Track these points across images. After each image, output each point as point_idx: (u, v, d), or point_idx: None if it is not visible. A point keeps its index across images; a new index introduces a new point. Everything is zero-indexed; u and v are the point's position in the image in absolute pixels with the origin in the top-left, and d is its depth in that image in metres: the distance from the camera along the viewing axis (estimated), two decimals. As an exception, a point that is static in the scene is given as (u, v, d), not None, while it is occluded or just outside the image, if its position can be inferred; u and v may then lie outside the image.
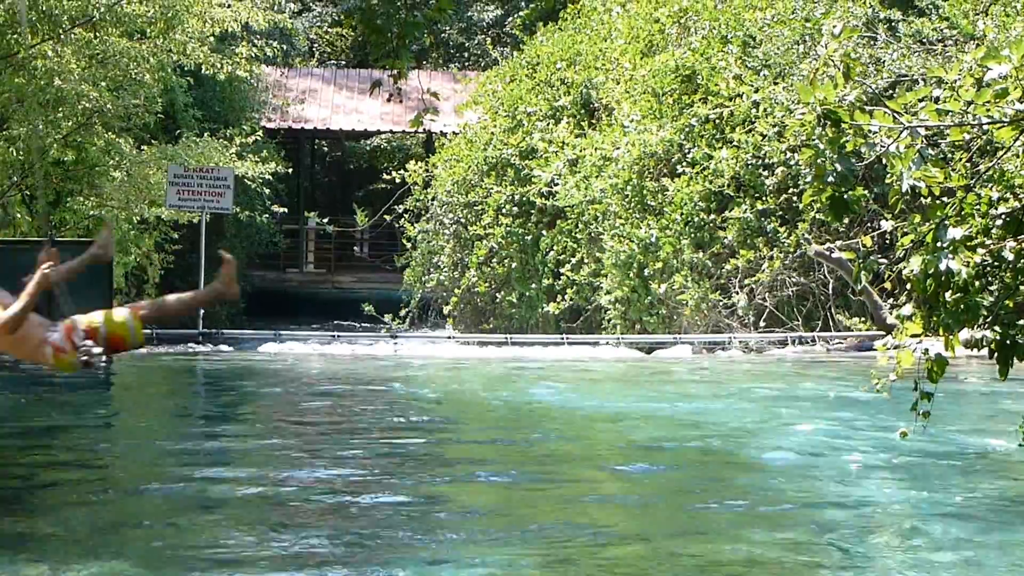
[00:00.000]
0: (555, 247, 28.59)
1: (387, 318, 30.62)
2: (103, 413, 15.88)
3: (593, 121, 30.14)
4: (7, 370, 18.87)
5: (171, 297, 9.69)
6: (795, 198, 24.59)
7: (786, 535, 8.39)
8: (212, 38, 25.21)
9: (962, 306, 6.97)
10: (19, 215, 24.85)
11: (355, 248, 45.15)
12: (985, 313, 7.16)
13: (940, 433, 11.94)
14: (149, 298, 28.83)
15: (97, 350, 8.95)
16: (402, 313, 31.74)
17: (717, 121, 26.21)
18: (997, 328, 7.24)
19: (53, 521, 8.77)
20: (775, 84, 25.87)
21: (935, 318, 7.14)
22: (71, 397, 16.97)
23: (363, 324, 32.32)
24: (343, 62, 49.77)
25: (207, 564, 7.51)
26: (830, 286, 25.01)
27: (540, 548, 8.01)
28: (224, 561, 7.58)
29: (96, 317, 9.20)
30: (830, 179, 6.80)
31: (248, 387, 18.94)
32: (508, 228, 29.31)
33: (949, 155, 19.74)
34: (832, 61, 7.53)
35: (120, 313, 9.20)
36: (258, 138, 32.13)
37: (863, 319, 24.68)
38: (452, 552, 7.86)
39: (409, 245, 32.62)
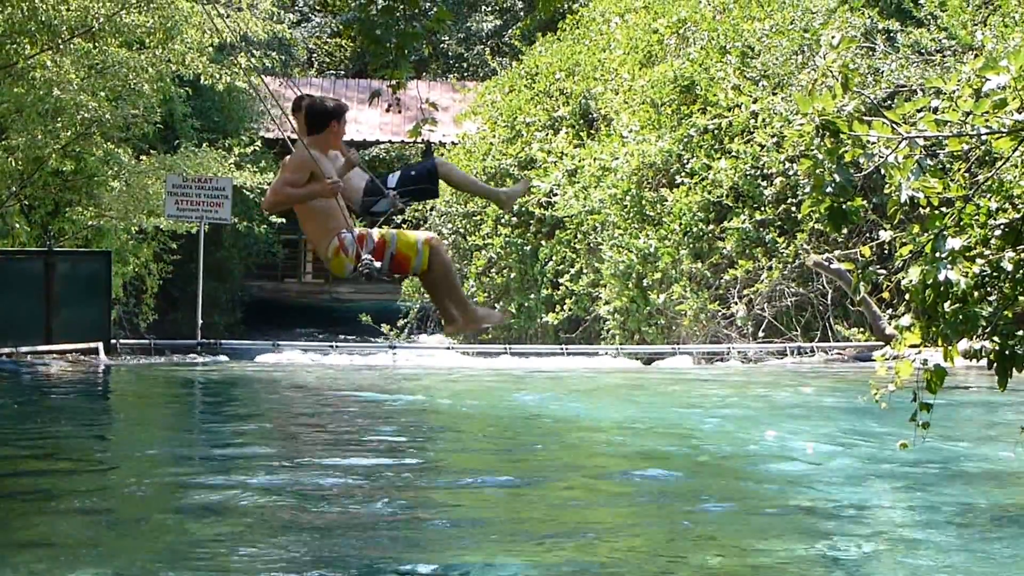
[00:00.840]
0: (554, 257, 28.61)
1: (384, 328, 30.65)
2: (101, 422, 15.85)
3: (592, 131, 30.17)
4: (6, 379, 18.87)
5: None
6: (794, 208, 24.60)
7: (783, 545, 8.39)
8: (211, 48, 25.20)
9: (961, 316, 6.97)
10: (18, 225, 24.84)
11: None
12: (984, 323, 7.16)
13: (939, 444, 11.94)
14: (148, 308, 28.87)
15: (377, 265, 9.02)
16: (400, 323, 31.80)
17: (716, 131, 26.23)
18: (996, 339, 7.23)
19: (51, 528, 8.75)
20: (774, 94, 25.88)
21: (934, 328, 7.14)
22: (69, 405, 16.97)
23: (362, 335, 32.32)
24: (342, 72, 49.79)
25: (205, 571, 7.50)
26: (829, 296, 25.02)
27: (536, 557, 8.00)
28: (223, 568, 7.58)
29: (389, 232, 9.25)
30: (829, 189, 6.80)
31: (246, 397, 18.92)
32: (507, 238, 29.34)
33: (948, 165, 19.74)
34: (831, 71, 7.54)
35: (415, 235, 9.23)
36: (257, 148, 32.13)
37: (862, 329, 24.68)
38: (449, 561, 7.85)
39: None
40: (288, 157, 9.55)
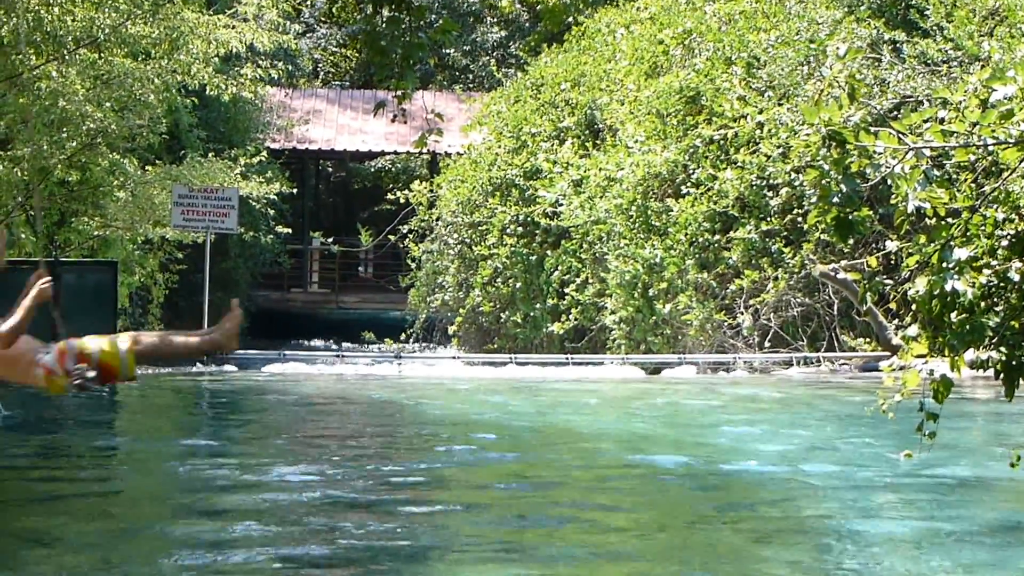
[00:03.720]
0: (559, 267, 28.60)
1: (388, 342, 30.68)
2: (107, 430, 15.87)
3: (597, 142, 30.16)
4: (13, 388, 18.87)
5: (172, 338, 9.48)
6: (800, 219, 24.58)
7: (786, 555, 8.38)
8: (217, 59, 25.21)
9: (968, 327, 6.95)
10: (23, 235, 24.85)
11: (359, 268, 45.16)
12: (991, 334, 7.14)
13: (945, 454, 11.92)
14: (154, 318, 28.87)
15: (91, 374, 8.86)
16: (405, 334, 31.82)
17: (721, 142, 26.21)
18: (1003, 349, 7.22)
19: (58, 532, 8.75)
20: (779, 105, 25.87)
21: (940, 339, 7.12)
22: (75, 414, 16.98)
23: (369, 344, 32.34)
24: (347, 83, 49.83)
25: (209, 574, 7.51)
26: (835, 307, 25.00)
27: (537, 567, 7.99)
28: (226, 571, 7.58)
29: (89, 343, 9.03)
30: (835, 200, 6.79)
31: (252, 407, 18.92)
32: (513, 248, 29.33)
33: (954, 176, 19.73)
34: (837, 82, 7.53)
35: (116, 342, 9.05)
36: (263, 158, 32.14)
37: (868, 340, 24.66)
38: (453, 569, 7.84)
39: (414, 265, 32.67)
40: None
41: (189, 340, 9.45)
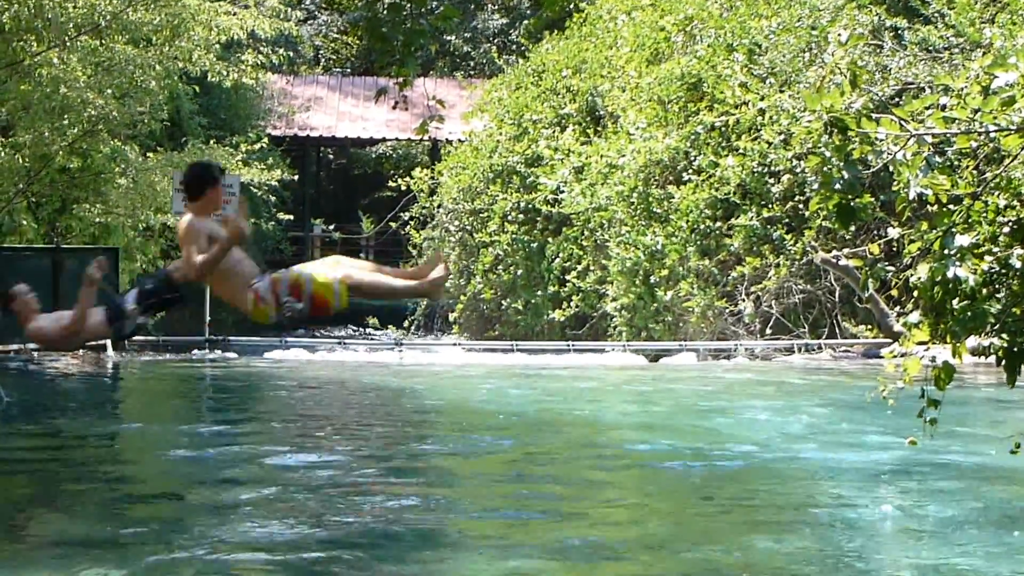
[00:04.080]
0: (561, 254, 28.60)
1: (390, 329, 30.70)
2: (109, 417, 15.88)
3: (599, 129, 30.16)
4: (14, 375, 18.89)
5: (382, 280, 9.50)
6: (801, 205, 24.60)
7: (788, 542, 8.38)
8: (218, 45, 25.20)
9: (969, 313, 6.95)
10: (25, 222, 24.86)
11: (361, 255, 45.16)
12: (992, 320, 7.14)
13: (946, 441, 11.92)
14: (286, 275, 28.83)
15: (299, 306, 8.96)
16: (407, 321, 31.84)
17: (723, 129, 26.21)
18: (1004, 335, 7.22)
19: (61, 521, 8.77)
20: (781, 92, 25.86)
21: (942, 325, 7.12)
22: (77, 401, 16.99)
23: (369, 331, 32.36)
24: (348, 70, 49.79)
25: (214, 564, 7.51)
26: (836, 293, 25.01)
27: (540, 552, 8.00)
28: (231, 560, 7.58)
29: (303, 273, 9.16)
30: (837, 186, 6.79)
31: (254, 393, 18.94)
32: (514, 235, 29.33)
33: (956, 163, 19.73)
34: (839, 68, 7.53)
35: (327, 274, 9.13)
36: (264, 145, 32.16)
37: (869, 326, 24.67)
38: (462, 558, 7.85)
39: (415, 252, 32.67)
40: (178, 229, 9.38)
41: (396, 284, 9.50)
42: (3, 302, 10.35)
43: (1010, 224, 7.30)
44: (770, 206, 25.14)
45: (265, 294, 8.99)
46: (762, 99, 25.83)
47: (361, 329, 34.32)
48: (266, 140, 33.47)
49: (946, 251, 6.91)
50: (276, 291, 9.00)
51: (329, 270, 9.16)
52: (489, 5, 49.72)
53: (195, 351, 24.67)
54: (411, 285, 9.60)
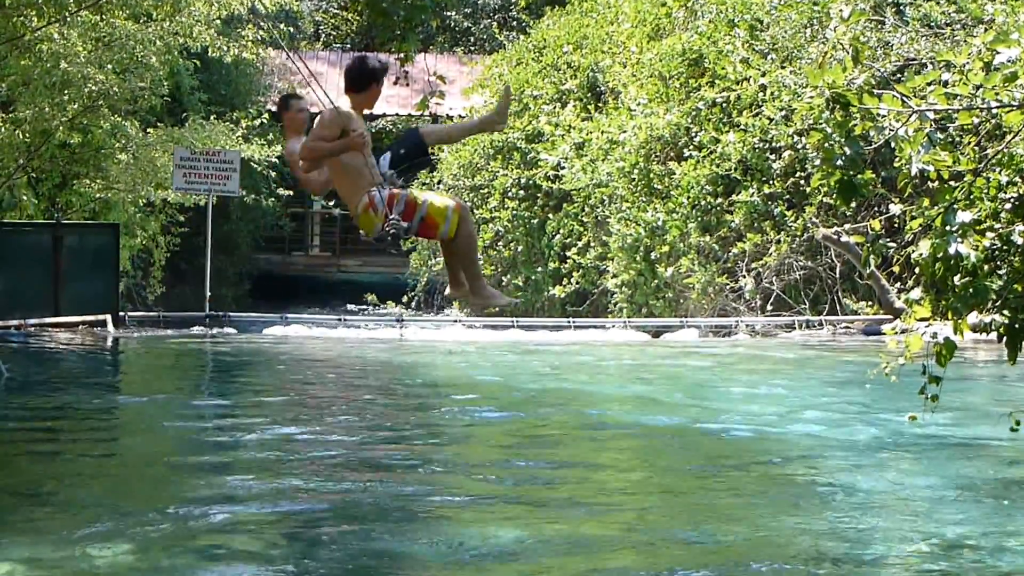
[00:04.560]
0: (561, 230, 28.61)
1: (390, 304, 30.73)
2: (109, 393, 15.88)
3: (600, 104, 30.14)
4: (14, 351, 18.89)
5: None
6: (802, 182, 24.60)
7: (788, 517, 8.39)
8: (218, 21, 25.16)
9: (971, 290, 6.95)
10: (25, 197, 24.85)
11: (361, 232, 45.09)
12: (994, 297, 7.14)
13: (947, 417, 11.93)
14: (155, 281, 28.87)
15: (405, 225, 9.02)
16: (407, 297, 31.85)
17: (724, 105, 26.19)
18: (1006, 312, 7.22)
19: (61, 497, 8.77)
20: (782, 68, 25.83)
21: (944, 302, 7.12)
22: (77, 377, 16.99)
23: (370, 307, 32.37)
24: (349, 46, 49.70)
25: (213, 539, 7.52)
26: (837, 270, 25.01)
27: (539, 528, 8.00)
28: (229, 534, 7.59)
29: (422, 196, 9.32)
30: (839, 163, 6.78)
31: (253, 368, 18.95)
32: (514, 211, 29.35)
33: (958, 139, 19.73)
34: (840, 44, 7.52)
35: (445, 200, 9.21)
36: (264, 121, 32.13)
37: (870, 303, 24.67)
38: (461, 531, 7.86)
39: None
40: (322, 113, 9.57)
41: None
42: (279, 106, 10.79)
43: (1012, 200, 7.29)
44: (771, 182, 25.12)
45: (379, 204, 9.05)
46: (763, 75, 25.79)
47: (362, 307, 34.33)
48: (266, 116, 33.43)
49: (948, 227, 6.90)
50: (391, 204, 9.08)
51: (445, 198, 9.28)
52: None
53: (195, 327, 24.68)
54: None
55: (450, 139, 10.53)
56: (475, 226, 9.53)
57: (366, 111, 9.77)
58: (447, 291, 9.92)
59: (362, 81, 9.29)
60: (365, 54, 9.26)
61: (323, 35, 50.57)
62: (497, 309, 28.97)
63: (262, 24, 28.08)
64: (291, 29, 38.08)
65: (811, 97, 21.91)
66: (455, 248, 9.46)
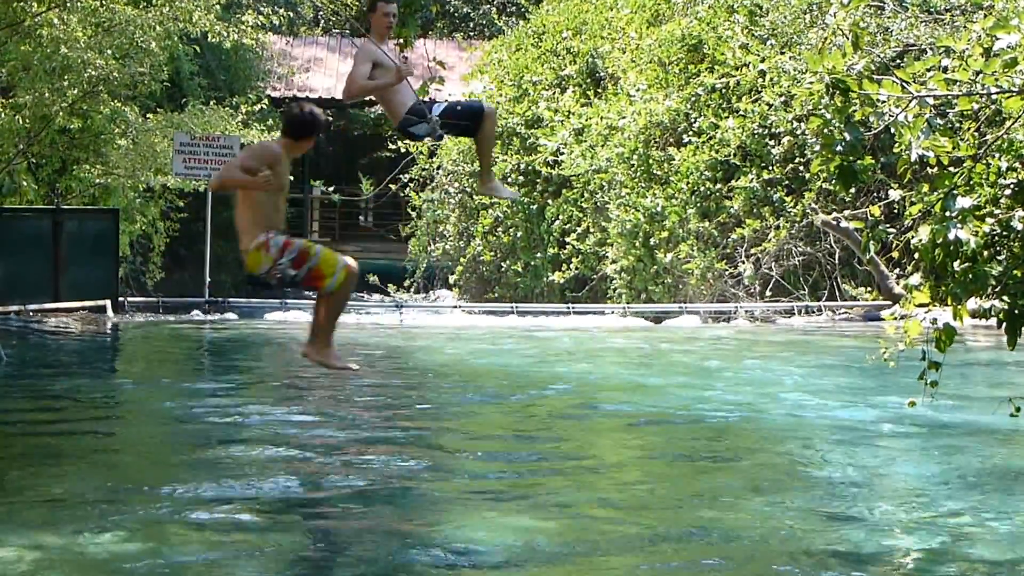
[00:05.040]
0: (561, 216, 28.59)
1: (390, 288, 30.74)
2: (108, 378, 15.90)
3: (599, 90, 30.11)
4: (13, 336, 18.90)
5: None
6: (802, 168, 24.60)
7: (786, 501, 8.41)
8: (218, 6, 25.13)
9: (970, 276, 6.96)
10: (25, 183, 24.83)
11: (360, 217, 45.09)
12: (993, 283, 7.16)
13: (946, 403, 11.95)
14: (155, 267, 28.87)
15: (292, 273, 9.07)
16: (407, 283, 31.85)
17: (723, 90, 26.17)
18: (1005, 298, 7.24)
19: (59, 481, 8.80)
20: (782, 53, 25.81)
21: (943, 288, 7.14)
22: (76, 362, 17.01)
23: (369, 293, 32.37)
24: (348, 31, 49.61)
25: (210, 522, 7.53)
26: (836, 256, 25.02)
27: (536, 511, 8.02)
28: (225, 519, 7.61)
29: (317, 247, 9.36)
30: (838, 148, 6.79)
31: (254, 353, 18.98)
32: (514, 197, 29.31)
33: (958, 125, 19.73)
34: (840, 30, 7.52)
35: (339, 257, 9.27)
36: (263, 107, 32.09)
37: (869, 289, 24.69)
38: (463, 519, 7.87)
39: (414, 214, 32.65)
40: (253, 144, 9.68)
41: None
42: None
43: (1011, 186, 7.30)
44: (770, 168, 25.12)
45: (273, 248, 9.07)
46: (763, 61, 25.77)
47: (361, 292, 34.32)
48: (266, 101, 33.38)
49: (947, 213, 6.91)
50: (283, 250, 9.09)
51: (340, 256, 9.32)
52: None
53: (195, 312, 24.68)
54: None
55: (481, 142, 10.54)
56: (352, 290, 9.56)
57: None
58: (300, 349, 9.86)
59: (302, 132, 9.33)
60: (313, 109, 9.32)
61: (322, 20, 50.51)
62: (496, 291, 29.00)
63: (261, 9, 28.04)
64: (290, 14, 38.01)
65: (811, 83, 21.90)
66: (329, 303, 9.51)
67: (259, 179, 9.01)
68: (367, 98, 10.30)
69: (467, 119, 10.18)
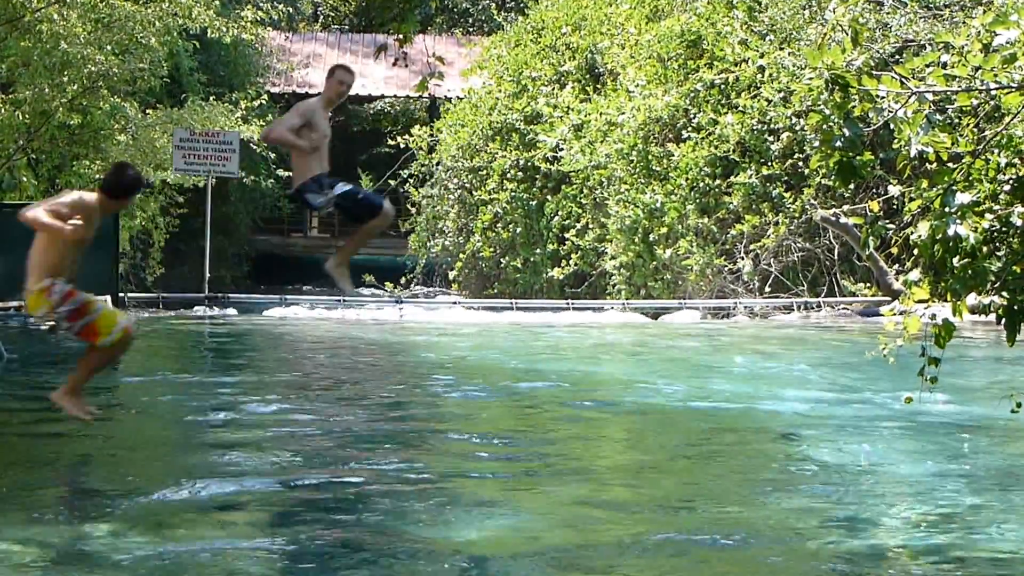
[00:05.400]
0: (560, 212, 28.60)
1: (388, 286, 30.75)
2: (111, 373, 15.89)
3: (598, 86, 30.11)
4: (14, 332, 18.90)
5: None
6: (801, 163, 24.60)
7: (784, 496, 8.42)
8: (217, 2, 25.15)
9: (970, 272, 6.97)
10: (25, 178, 24.84)
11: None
12: (993, 279, 7.16)
13: (946, 398, 11.97)
14: (155, 262, 28.88)
15: (65, 326, 9.19)
16: (405, 279, 31.86)
17: (722, 86, 26.18)
18: (1005, 294, 7.25)
19: (56, 477, 8.81)
20: (781, 49, 25.81)
21: (942, 284, 7.14)
22: (77, 358, 16.98)
23: (369, 288, 32.38)
24: (347, 26, 49.65)
25: (214, 521, 7.55)
26: (835, 252, 25.03)
27: (536, 509, 8.04)
28: (224, 515, 7.62)
29: (99, 304, 9.47)
30: (837, 144, 6.80)
31: (254, 349, 18.97)
32: (513, 193, 29.33)
33: (957, 120, 19.72)
34: (839, 26, 7.53)
35: (118, 318, 9.33)
36: (263, 102, 32.10)
37: (868, 285, 24.70)
38: (461, 515, 7.88)
39: (414, 210, 32.66)
40: (75, 195, 9.60)
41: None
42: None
43: (1010, 182, 7.31)
44: (769, 164, 25.13)
45: (55, 294, 9.16)
46: (762, 56, 25.78)
47: (361, 288, 34.34)
48: (265, 97, 33.40)
49: (946, 209, 6.92)
50: (65, 299, 9.18)
51: (121, 316, 9.52)
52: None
53: (195, 308, 24.69)
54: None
55: (361, 234, 10.88)
56: (125, 352, 9.66)
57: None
58: (53, 394, 9.89)
59: (119, 192, 9.39)
60: (137, 175, 9.42)
61: (321, 16, 50.53)
62: (495, 287, 29.01)
63: (261, 4, 28.05)
64: (290, 10, 38.03)
65: (810, 78, 21.94)
66: (98, 357, 9.60)
67: (64, 226, 9.04)
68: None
69: (363, 210, 10.59)
